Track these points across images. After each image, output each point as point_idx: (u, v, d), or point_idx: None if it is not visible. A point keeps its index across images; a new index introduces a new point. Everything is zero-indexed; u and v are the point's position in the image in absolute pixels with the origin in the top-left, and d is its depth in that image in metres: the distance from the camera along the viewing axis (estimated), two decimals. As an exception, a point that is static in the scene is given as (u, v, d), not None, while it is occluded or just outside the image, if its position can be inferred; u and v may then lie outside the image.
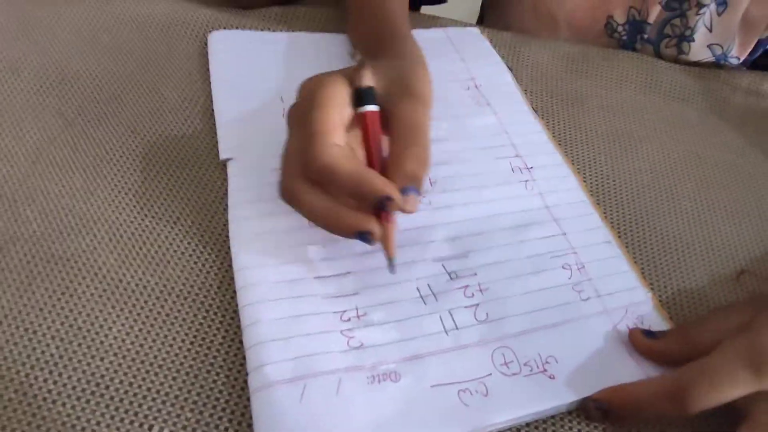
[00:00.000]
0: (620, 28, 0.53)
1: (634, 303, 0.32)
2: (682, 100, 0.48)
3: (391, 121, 0.29)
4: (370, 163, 0.29)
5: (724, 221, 0.39)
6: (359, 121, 0.29)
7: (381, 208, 0.27)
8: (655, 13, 0.51)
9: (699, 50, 0.52)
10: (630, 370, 0.29)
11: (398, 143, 0.28)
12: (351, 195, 0.27)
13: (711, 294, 0.35)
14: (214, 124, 0.39)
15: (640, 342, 0.30)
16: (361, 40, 0.40)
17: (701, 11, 0.50)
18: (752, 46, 0.53)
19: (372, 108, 0.27)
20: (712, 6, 0.50)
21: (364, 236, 0.27)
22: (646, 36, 0.53)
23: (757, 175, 0.43)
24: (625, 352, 0.30)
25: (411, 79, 0.30)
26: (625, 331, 0.31)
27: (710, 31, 0.51)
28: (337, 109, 0.28)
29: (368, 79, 0.27)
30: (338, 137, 0.27)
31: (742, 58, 0.53)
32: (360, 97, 0.27)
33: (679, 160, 0.43)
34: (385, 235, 0.28)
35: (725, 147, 0.45)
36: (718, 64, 0.53)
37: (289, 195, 0.28)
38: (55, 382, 0.27)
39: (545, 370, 0.29)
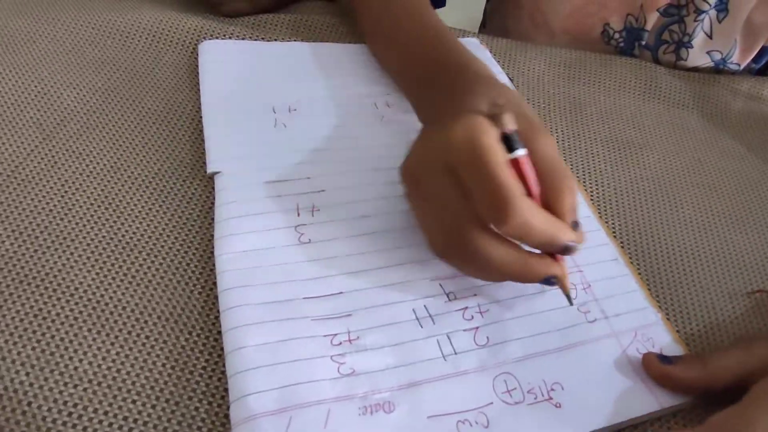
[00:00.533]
0: (617, 35, 0.52)
1: (644, 325, 0.30)
2: (682, 106, 0.47)
3: (534, 159, 0.28)
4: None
5: (730, 229, 0.38)
6: (513, 165, 0.28)
7: (567, 253, 0.27)
8: (652, 19, 0.50)
9: (697, 56, 0.51)
10: (642, 398, 0.27)
11: (549, 181, 0.28)
12: (540, 246, 0.27)
13: (720, 306, 0.33)
14: (201, 137, 0.37)
15: (655, 367, 0.28)
16: (412, 65, 0.38)
17: (699, 17, 0.49)
18: (755, 52, 0.52)
19: (524, 153, 0.27)
20: (712, 12, 0.49)
21: (550, 280, 0.28)
22: (643, 42, 0.52)
23: (761, 181, 0.42)
24: (636, 379, 0.28)
25: (525, 110, 0.30)
26: (635, 356, 0.29)
27: (710, 37, 0.50)
28: (502, 156, 0.27)
29: (513, 123, 0.27)
30: (519, 187, 0.26)
31: (743, 65, 0.52)
32: (509, 141, 0.27)
33: (681, 167, 0.42)
34: (564, 274, 0.28)
35: (727, 153, 0.44)
36: (717, 70, 0.52)
37: (473, 250, 0.27)
38: (23, 413, 0.25)
39: (551, 398, 0.27)
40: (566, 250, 0.27)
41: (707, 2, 0.48)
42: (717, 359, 0.28)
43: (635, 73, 0.49)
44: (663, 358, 0.28)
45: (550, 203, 0.28)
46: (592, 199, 0.38)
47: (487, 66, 0.36)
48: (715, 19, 0.49)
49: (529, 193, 0.27)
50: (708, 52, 0.51)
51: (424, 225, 0.30)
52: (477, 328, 0.29)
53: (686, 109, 0.47)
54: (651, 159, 0.42)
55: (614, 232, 0.36)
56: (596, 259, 0.33)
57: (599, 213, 0.37)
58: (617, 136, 0.43)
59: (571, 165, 0.40)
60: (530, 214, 0.26)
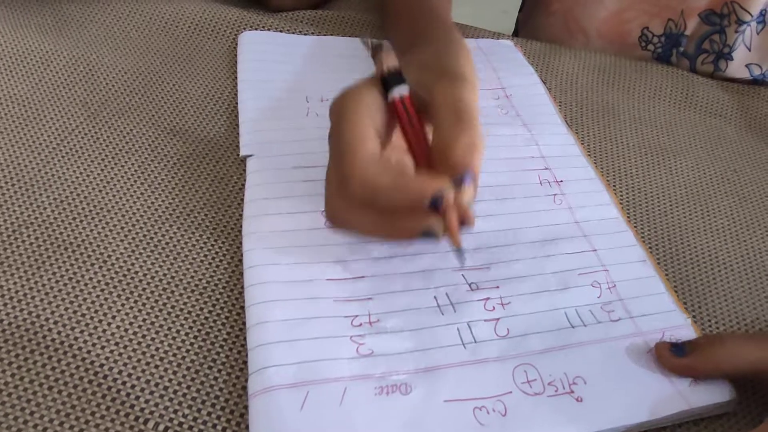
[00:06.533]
0: (655, 39, 0.52)
1: (672, 326, 0.30)
2: (719, 116, 0.46)
3: (431, 107, 0.25)
4: (414, 156, 0.26)
5: (763, 240, 0.37)
6: (393, 111, 0.26)
7: (436, 208, 0.24)
8: (692, 25, 0.50)
9: (737, 69, 0.50)
10: (669, 398, 0.26)
11: (441, 128, 0.25)
12: (400, 207, 0.25)
13: (751, 316, 0.32)
14: (236, 122, 0.38)
15: (667, 360, 0.27)
16: (398, 33, 0.37)
17: (741, 28, 0.48)
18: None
19: (401, 91, 0.24)
20: (753, 24, 0.48)
21: (428, 234, 0.25)
22: (682, 49, 0.51)
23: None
24: (663, 379, 0.27)
25: (447, 59, 0.27)
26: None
27: (749, 50, 0.49)
28: (366, 116, 0.25)
29: (391, 59, 0.24)
30: (371, 147, 0.24)
31: None
32: (387, 83, 0.24)
33: (715, 176, 0.41)
34: (448, 226, 0.25)
35: (765, 164, 0.43)
36: (756, 82, 0.51)
37: (333, 218, 0.26)
38: (53, 368, 0.26)
39: (572, 392, 0.26)
40: (433, 206, 0.24)
41: (749, 12, 0.47)
42: (730, 349, 0.27)
43: (671, 81, 0.48)
44: (676, 349, 0.27)
45: (436, 153, 0.25)
46: (621, 203, 0.38)
47: (461, 37, 0.32)
48: (755, 31, 0.49)
49: (408, 140, 0.25)
50: (747, 66, 0.50)
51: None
52: (498, 319, 0.29)
53: (723, 119, 0.46)
54: (684, 166, 0.41)
55: (643, 237, 0.36)
56: (623, 259, 0.33)
57: (628, 217, 0.37)
58: (650, 142, 0.43)
59: (602, 168, 0.40)
60: (372, 175, 0.23)
